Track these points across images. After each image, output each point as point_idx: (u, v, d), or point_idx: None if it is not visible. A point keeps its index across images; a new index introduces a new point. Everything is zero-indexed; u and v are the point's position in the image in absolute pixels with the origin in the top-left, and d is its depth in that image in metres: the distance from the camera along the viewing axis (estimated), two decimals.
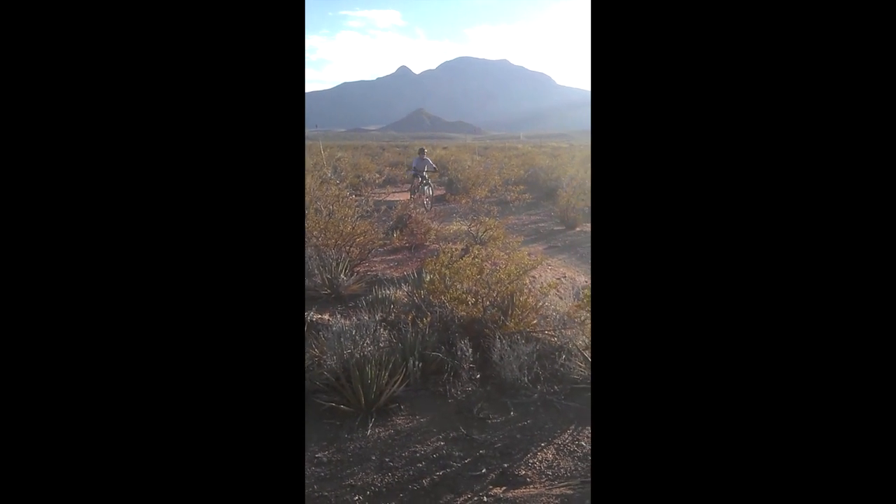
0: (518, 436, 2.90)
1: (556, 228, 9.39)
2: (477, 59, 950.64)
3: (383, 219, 8.75)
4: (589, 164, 15.06)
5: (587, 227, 9.32)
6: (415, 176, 12.27)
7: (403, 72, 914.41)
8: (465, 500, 2.39)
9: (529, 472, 2.59)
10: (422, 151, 12.72)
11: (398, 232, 7.84)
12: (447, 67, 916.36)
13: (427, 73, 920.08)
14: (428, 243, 7.58)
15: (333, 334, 3.45)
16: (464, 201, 8.97)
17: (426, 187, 12.06)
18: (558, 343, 3.83)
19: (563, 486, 2.47)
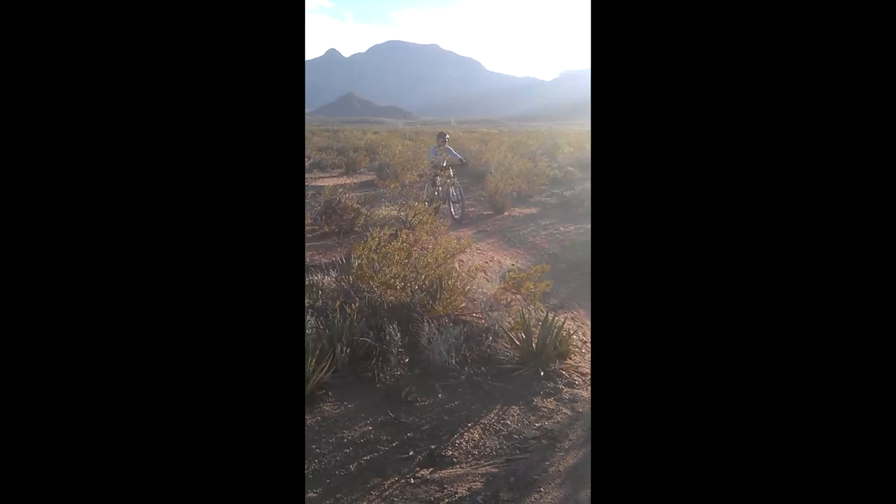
0: (445, 417, 2.94)
1: (484, 213, 9.48)
2: (406, 42, 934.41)
3: (311, 204, 8.55)
4: (517, 151, 15.26)
5: (515, 211, 9.49)
6: (435, 175, 8.20)
7: (332, 55, 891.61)
8: (392, 483, 2.41)
9: (456, 453, 2.63)
10: (442, 137, 8.40)
11: (326, 217, 7.69)
12: (377, 51, 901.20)
13: (357, 57, 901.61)
14: (357, 228, 7.49)
15: None
16: (393, 186, 8.90)
17: (452, 190, 8.12)
18: (485, 325, 3.90)
19: (488, 465, 2.53)
